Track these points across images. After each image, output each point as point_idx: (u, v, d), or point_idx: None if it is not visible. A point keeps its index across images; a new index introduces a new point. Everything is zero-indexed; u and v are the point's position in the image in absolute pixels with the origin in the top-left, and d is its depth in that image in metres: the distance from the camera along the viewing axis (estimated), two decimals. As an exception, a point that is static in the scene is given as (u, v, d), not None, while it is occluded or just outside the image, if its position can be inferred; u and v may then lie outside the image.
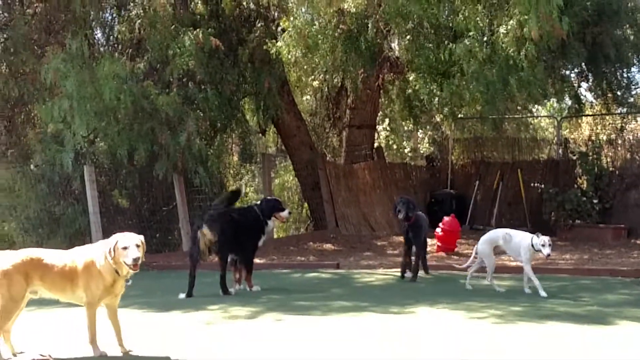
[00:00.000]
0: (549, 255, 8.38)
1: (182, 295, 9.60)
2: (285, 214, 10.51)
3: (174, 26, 14.06)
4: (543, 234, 8.94)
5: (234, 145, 19.31)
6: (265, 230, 10.35)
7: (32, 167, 16.21)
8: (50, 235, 15.20)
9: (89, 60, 13.72)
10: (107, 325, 6.39)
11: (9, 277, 6.05)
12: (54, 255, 6.32)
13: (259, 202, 10.63)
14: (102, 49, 16.06)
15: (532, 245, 8.90)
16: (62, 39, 14.26)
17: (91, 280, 6.14)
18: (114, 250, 6.07)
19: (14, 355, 6.12)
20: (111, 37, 16.43)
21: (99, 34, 16.79)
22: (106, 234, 13.28)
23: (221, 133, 16.57)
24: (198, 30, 13.93)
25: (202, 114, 14.84)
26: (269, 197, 11.34)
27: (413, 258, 11.06)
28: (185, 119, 14.00)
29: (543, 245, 8.54)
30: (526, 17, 11.04)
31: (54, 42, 14.45)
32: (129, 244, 6.03)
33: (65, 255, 6.34)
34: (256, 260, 10.91)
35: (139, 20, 14.20)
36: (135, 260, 6.00)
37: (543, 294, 8.88)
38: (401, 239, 15.22)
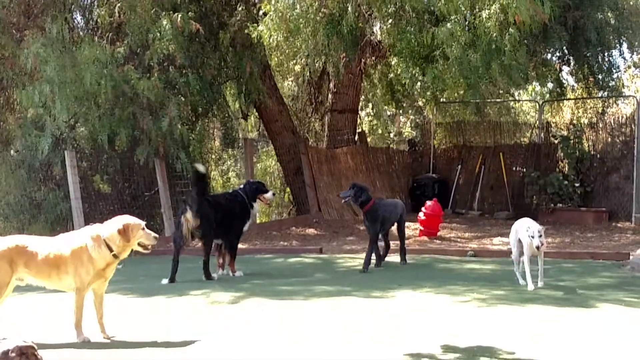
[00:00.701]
0: (537, 246, 8.23)
1: (165, 281, 9.58)
2: (269, 195, 10.52)
3: (154, 10, 13.90)
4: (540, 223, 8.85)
5: (215, 130, 19.22)
6: (250, 214, 10.36)
7: (12, 152, 16.06)
8: (31, 221, 15.08)
9: (69, 44, 13.57)
10: (92, 311, 6.37)
11: None
12: (40, 243, 6.29)
13: (242, 186, 10.61)
14: (81, 33, 15.88)
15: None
16: (41, 23, 14.09)
17: (81, 267, 6.14)
18: (131, 231, 6.11)
19: (-4, 341, 6.10)
20: (91, 21, 16.21)
21: (78, 17, 16.59)
22: (88, 220, 13.24)
23: (203, 118, 16.48)
24: (178, 13, 13.81)
25: (183, 99, 14.74)
26: (251, 180, 11.29)
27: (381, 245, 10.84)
28: (166, 104, 13.90)
29: (532, 237, 8.35)
30: (509, 1, 11.03)
31: (33, 26, 14.27)
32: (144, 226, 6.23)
33: (51, 242, 6.32)
34: (239, 246, 10.89)
35: (119, 4, 14.02)
36: (156, 238, 6.27)
37: (522, 282, 8.64)
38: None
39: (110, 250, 6.16)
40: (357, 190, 10.42)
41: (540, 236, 8.19)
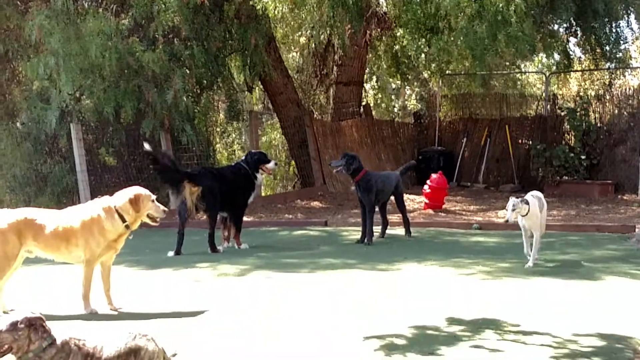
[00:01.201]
0: (506, 221, 8.04)
1: (171, 253, 9.62)
2: (271, 165, 10.49)
3: (158, -19, 13.86)
4: (537, 191, 8.73)
5: (220, 102, 19.18)
6: (254, 186, 10.38)
7: (18, 125, 16.05)
8: (37, 194, 15.12)
9: (73, 16, 13.52)
10: (100, 284, 6.41)
11: (2, 235, 6.05)
12: (48, 215, 6.32)
13: (244, 158, 10.60)
14: (86, 4, 15.81)
15: None
16: (46, -6, 14.03)
17: (91, 239, 6.18)
18: (142, 202, 6.15)
19: (5, 312, 6.13)
20: (95, -8, 16.16)
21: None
22: (94, 192, 13.28)
23: (207, 90, 16.43)
24: (183, -15, 13.73)
25: (188, 71, 14.71)
26: (253, 151, 11.27)
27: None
28: (171, 76, 13.87)
29: (505, 209, 8.12)
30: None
31: (37, -2, 14.23)
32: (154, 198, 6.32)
33: (59, 215, 6.35)
34: (244, 218, 10.91)
35: (124, -25, 13.98)
36: (165, 212, 6.37)
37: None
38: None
39: (123, 220, 6.20)
40: (348, 159, 10.29)
41: (514, 210, 7.80)
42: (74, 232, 6.18)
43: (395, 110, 25.21)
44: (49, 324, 3.62)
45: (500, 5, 11.61)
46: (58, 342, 3.59)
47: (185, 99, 14.03)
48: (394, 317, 5.91)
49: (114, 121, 14.65)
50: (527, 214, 7.95)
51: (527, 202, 7.96)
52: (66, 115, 14.56)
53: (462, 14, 12.19)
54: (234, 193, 9.98)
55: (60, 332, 3.66)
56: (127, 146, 15.90)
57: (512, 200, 7.94)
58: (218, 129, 19.89)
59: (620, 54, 17.36)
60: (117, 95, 13.60)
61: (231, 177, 10.13)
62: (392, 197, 10.92)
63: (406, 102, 25.87)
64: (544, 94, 19.78)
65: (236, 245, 10.06)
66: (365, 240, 10.20)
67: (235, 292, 7.13)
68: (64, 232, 6.18)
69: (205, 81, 15.65)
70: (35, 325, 3.55)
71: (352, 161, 10.26)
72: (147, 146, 9.74)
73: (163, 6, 13.61)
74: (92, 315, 6.15)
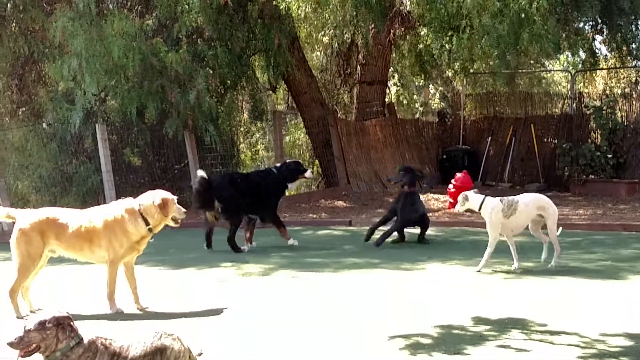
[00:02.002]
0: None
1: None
2: (308, 174, 10.69)
3: (182, -18, 13.92)
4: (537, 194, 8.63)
5: (244, 102, 19.21)
6: (284, 191, 10.58)
7: (44, 125, 16.19)
8: (63, 194, 15.24)
9: (97, 17, 13.60)
10: (125, 283, 6.45)
11: (26, 235, 6.10)
12: (71, 215, 6.36)
13: (278, 165, 10.65)
14: (110, 5, 15.91)
15: None
16: (70, -4, 14.15)
17: (114, 239, 6.22)
18: (169, 206, 6.20)
19: (32, 312, 6.20)
20: (120, -7, 16.27)
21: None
22: (119, 192, 13.36)
23: (231, 90, 16.46)
24: (207, -14, 13.79)
25: (211, 72, 14.74)
26: (289, 161, 11.24)
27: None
28: (194, 77, 13.92)
29: None
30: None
31: (63, 0, 14.33)
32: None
33: (83, 215, 6.39)
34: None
35: (148, -23, 14.06)
36: (185, 214, 6.49)
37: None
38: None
39: (147, 223, 6.23)
40: (407, 172, 10.30)
41: (462, 203, 7.96)
42: (97, 233, 6.22)
43: (419, 108, 25.12)
44: (76, 323, 3.65)
45: (523, 3, 11.54)
46: (85, 341, 3.61)
47: (208, 99, 14.06)
48: (419, 316, 5.88)
49: (138, 121, 14.74)
50: (479, 210, 7.96)
51: (468, 198, 8.00)
52: (91, 116, 14.67)
53: (486, 12, 12.13)
54: (261, 197, 10.04)
55: (87, 331, 3.68)
56: (152, 146, 15.98)
57: (467, 192, 8.12)
58: (242, 129, 19.92)
59: (647, 52, 17.17)
60: (140, 95, 13.67)
61: (258, 182, 10.22)
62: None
63: (430, 101, 25.78)
64: (569, 92, 19.60)
65: (288, 242, 10.13)
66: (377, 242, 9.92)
67: (260, 291, 7.14)
68: (87, 233, 6.22)
69: (228, 81, 15.69)
70: (63, 324, 3.58)
71: (410, 174, 10.27)
72: (201, 173, 9.96)
73: (187, 7, 13.67)
74: (118, 315, 6.19)
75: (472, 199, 8.00)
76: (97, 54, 13.14)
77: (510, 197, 8.13)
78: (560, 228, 8.31)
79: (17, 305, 6.18)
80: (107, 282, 6.32)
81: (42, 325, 3.55)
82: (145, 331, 3.85)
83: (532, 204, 8.11)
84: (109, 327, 5.69)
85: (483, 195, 8.07)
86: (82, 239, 6.24)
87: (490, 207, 7.89)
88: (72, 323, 3.62)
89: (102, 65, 13.24)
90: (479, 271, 7.85)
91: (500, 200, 7.99)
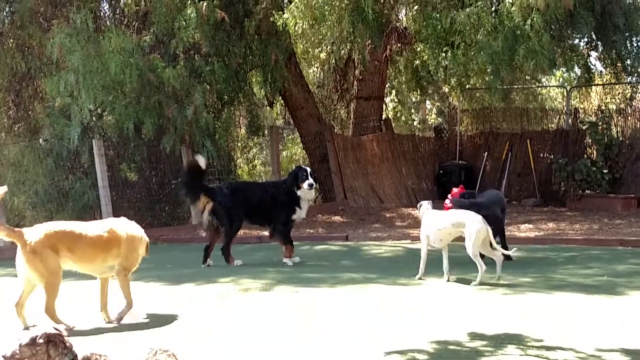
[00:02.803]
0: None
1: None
2: (305, 185, 10.07)
3: (180, -2, 13.99)
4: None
5: (241, 118, 19.25)
6: (298, 202, 10.15)
7: (40, 141, 16.20)
8: (59, 210, 15.23)
9: (94, 34, 13.65)
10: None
11: (40, 253, 6.08)
12: (83, 227, 6.40)
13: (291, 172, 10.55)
14: (108, 22, 15.97)
15: None
16: (67, 13, 14.19)
17: (132, 251, 6.44)
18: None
19: (27, 328, 6.17)
20: (117, 10, 16.33)
21: (105, 6, 16.70)
22: (115, 208, 13.37)
23: (228, 106, 16.50)
24: (203, 2, 13.84)
25: (208, 87, 14.79)
26: (296, 166, 11.13)
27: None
28: (191, 92, 13.97)
29: None
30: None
31: (60, 16, 14.38)
32: None
33: (96, 226, 6.46)
34: (265, 233, 10.91)
35: (145, -8, 14.10)
36: None
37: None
38: (410, 210, 15.27)
39: None
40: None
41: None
42: (114, 243, 6.30)
43: (415, 124, 25.17)
44: (71, 339, 3.64)
45: (517, 20, 11.60)
46: (79, 357, 3.61)
47: (205, 114, 14.10)
48: (415, 331, 5.88)
49: (135, 137, 14.76)
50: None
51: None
52: (88, 132, 14.69)
53: (482, 28, 12.20)
54: (269, 208, 9.98)
55: (81, 347, 3.67)
56: (149, 162, 16.00)
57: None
58: (239, 144, 19.96)
59: (642, 68, 17.23)
60: (138, 111, 13.70)
61: (264, 192, 10.18)
62: None
63: (427, 116, 25.83)
64: (565, 108, 19.66)
65: (284, 259, 10.01)
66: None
67: (259, 306, 7.12)
68: (104, 243, 6.29)
69: (226, 97, 15.74)
70: (54, 341, 3.57)
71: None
72: (201, 162, 9.93)
73: (184, 23, 13.72)
74: (115, 330, 6.17)
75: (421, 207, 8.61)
76: (95, 70, 13.17)
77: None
78: (515, 248, 8.85)
79: (58, 320, 6.12)
80: (124, 293, 6.49)
81: (33, 341, 3.55)
82: (140, 347, 3.84)
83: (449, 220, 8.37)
84: (104, 343, 5.67)
85: (428, 206, 8.61)
86: (99, 249, 6.32)
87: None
88: (64, 339, 3.61)
89: (99, 81, 13.27)
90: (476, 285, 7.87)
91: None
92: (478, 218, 8.10)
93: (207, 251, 10.06)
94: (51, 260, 6.12)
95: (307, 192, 10.09)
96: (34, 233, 6.19)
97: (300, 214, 10.19)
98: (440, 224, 8.32)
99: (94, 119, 14.54)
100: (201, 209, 9.94)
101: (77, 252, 6.25)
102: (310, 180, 10.03)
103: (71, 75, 13.20)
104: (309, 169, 10.29)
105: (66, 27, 13.39)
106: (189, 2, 13.92)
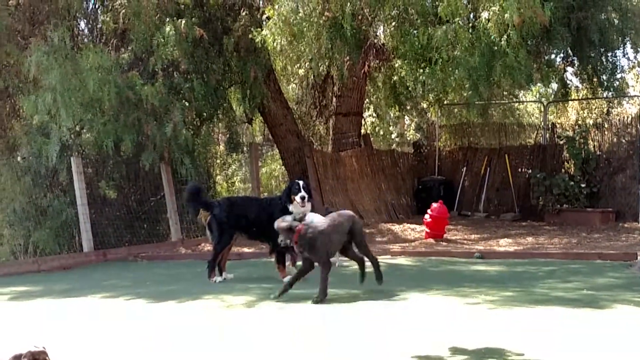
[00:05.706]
0: None
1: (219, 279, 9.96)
2: (297, 197, 9.88)
3: (158, 16, 13.95)
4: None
5: (220, 134, 19.24)
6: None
7: (18, 159, 16.08)
8: (37, 227, 15.10)
9: (72, 51, 13.59)
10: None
11: None
12: None
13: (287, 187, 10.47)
14: (86, 39, 15.92)
15: None
16: (45, 31, 14.12)
17: None
18: None
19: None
20: (95, 27, 16.29)
21: (82, 24, 16.64)
22: (94, 226, 13.26)
23: (207, 123, 16.49)
24: (182, 19, 13.85)
25: (187, 104, 14.78)
26: (292, 180, 11.13)
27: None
28: (171, 109, 13.94)
29: None
30: (507, 3, 11.03)
31: (38, 34, 14.31)
32: None
33: None
34: (245, 249, 10.87)
35: (123, 10, 14.05)
36: None
37: None
38: (390, 226, 15.33)
39: None
40: None
41: None
42: None
43: (394, 139, 25.27)
44: (52, 357, 3.61)
45: (493, 36, 11.71)
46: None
47: (184, 131, 14.07)
48: (397, 347, 5.87)
49: (114, 154, 14.69)
50: None
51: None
52: (66, 149, 14.60)
53: (459, 44, 12.29)
54: (266, 223, 9.88)
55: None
56: (128, 179, 15.93)
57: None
58: (218, 161, 19.92)
59: (617, 83, 17.41)
60: (116, 128, 13.65)
61: (259, 207, 10.17)
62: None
63: (405, 132, 25.96)
64: (542, 123, 19.86)
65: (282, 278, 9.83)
66: None
67: (245, 324, 7.09)
68: None
69: (205, 114, 15.73)
70: (38, 359, 3.54)
71: None
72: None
73: (162, 40, 13.70)
74: (97, 350, 6.11)
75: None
76: (73, 87, 13.09)
77: None
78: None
79: None
80: None
81: (17, 358, 3.51)
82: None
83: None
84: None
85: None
86: None
87: None
88: (47, 357, 3.58)
89: (77, 99, 13.20)
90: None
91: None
92: None
93: (219, 265, 10.03)
94: None
95: (299, 206, 9.96)
96: None
97: None
98: None
99: (72, 136, 14.45)
100: (204, 224, 10.15)
101: None
102: (302, 193, 9.88)
103: (49, 94, 13.10)
104: (301, 182, 10.15)
105: (43, 45, 13.32)
106: (167, 19, 13.92)
